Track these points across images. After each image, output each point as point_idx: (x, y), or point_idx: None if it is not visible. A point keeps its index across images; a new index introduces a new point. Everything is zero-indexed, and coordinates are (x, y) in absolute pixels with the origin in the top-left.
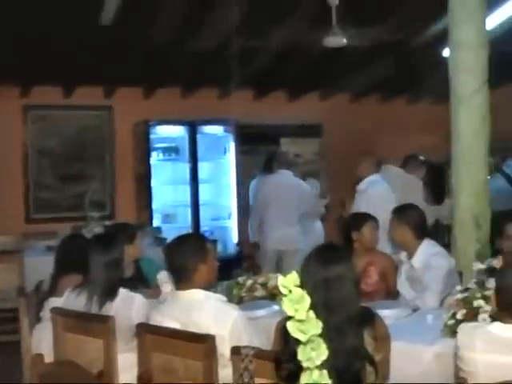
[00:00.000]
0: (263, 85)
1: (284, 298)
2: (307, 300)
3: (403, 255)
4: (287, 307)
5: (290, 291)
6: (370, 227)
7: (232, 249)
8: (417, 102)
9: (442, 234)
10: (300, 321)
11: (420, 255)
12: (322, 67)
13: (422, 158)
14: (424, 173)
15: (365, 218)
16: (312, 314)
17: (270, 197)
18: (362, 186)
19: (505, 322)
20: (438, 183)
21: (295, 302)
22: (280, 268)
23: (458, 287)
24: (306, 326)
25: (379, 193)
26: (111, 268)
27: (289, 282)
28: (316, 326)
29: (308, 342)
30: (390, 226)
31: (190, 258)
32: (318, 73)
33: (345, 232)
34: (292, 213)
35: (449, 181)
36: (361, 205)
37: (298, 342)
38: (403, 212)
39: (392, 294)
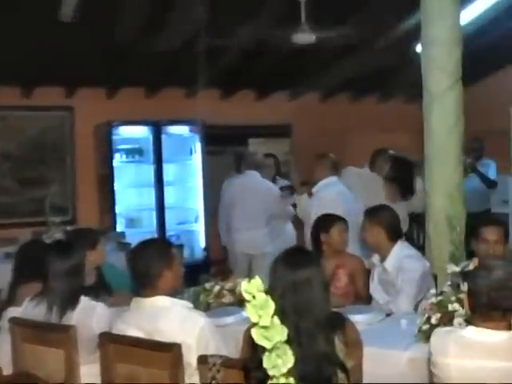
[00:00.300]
0: (230, 84)
1: (247, 304)
2: (271, 305)
3: (375, 258)
4: (251, 313)
5: (254, 297)
6: (339, 229)
7: (199, 254)
8: (389, 100)
9: (417, 233)
10: (264, 327)
11: (393, 258)
12: (290, 65)
13: (391, 152)
14: (388, 168)
15: (333, 219)
16: (277, 320)
17: (236, 199)
18: (314, 189)
19: (477, 326)
20: (406, 179)
21: (259, 307)
22: (251, 273)
23: (433, 291)
24: (271, 332)
25: (330, 196)
26: (72, 276)
27: (252, 287)
28: (281, 333)
29: (273, 349)
30: (362, 227)
31: (155, 263)
32: (287, 71)
33: (313, 234)
34: (259, 215)
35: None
36: (312, 209)
37: (263, 349)
38: (375, 213)
39: (360, 297)
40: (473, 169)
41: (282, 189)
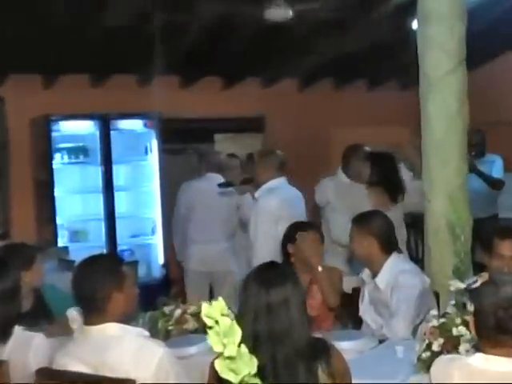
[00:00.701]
0: (192, 70)
1: (209, 331)
2: (238, 332)
3: (366, 274)
4: (214, 342)
5: (217, 322)
6: (308, 239)
7: (157, 271)
8: (380, 87)
9: (415, 242)
10: (230, 358)
11: (386, 273)
12: (263, 47)
13: (366, 148)
14: (368, 171)
15: (301, 227)
16: (244, 349)
17: (194, 206)
18: (257, 193)
19: (486, 352)
20: (393, 178)
21: (223, 334)
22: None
23: (434, 312)
24: (238, 363)
25: (273, 203)
26: (4, 301)
27: (214, 311)
28: (250, 364)
29: (241, 383)
30: (350, 237)
31: (103, 284)
32: (259, 54)
33: (282, 244)
34: (220, 226)
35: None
36: (252, 218)
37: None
38: (365, 220)
39: (333, 310)
40: (472, 168)
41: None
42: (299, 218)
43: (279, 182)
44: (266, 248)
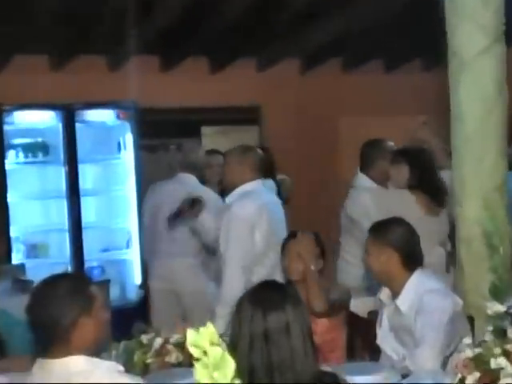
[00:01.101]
0: (173, 49)
1: (196, 364)
2: (230, 364)
3: (384, 294)
4: (201, 376)
5: (205, 352)
6: (297, 250)
7: (133, 293)
8: (400, 67)
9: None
10: None
11: (409, 293)
12: (258, 21)
13: (391, 144)
14: (407, 173)
15: (292, 235)
16: (238, 382)
17: (158, 213)
18: (227, 199)
19: None
20: (433, 178)
21: (213, 367)
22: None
23: (468, 340)
24: None
25: (246, 212)
26: None
27: (203, 340)
28: None
29: None
30: (365, 250)
31: (67, 309)
32: (253, 30)
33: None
34: (189, 237)
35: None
36: (222, 231)
37: None
38: (384, 229)
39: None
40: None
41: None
42: (278, 228)
43: (255, 185)
44: (238, 262)
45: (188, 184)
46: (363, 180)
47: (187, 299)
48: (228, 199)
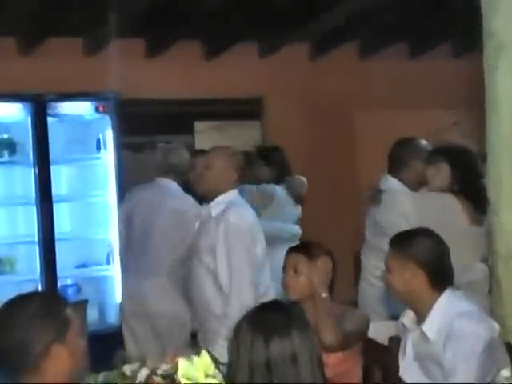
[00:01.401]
0: (161, 32)
1: None
2: None
3: (408, 318)
4: None
5: None
6: (294, 263)
7: (113, 315)
8: (426, 53)
9: None
10: None
11: (438, 317)
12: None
13: (423, 142)
14: (448, 174)
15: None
16: None
17: (132, 223)
18: (216, 207)
19: None
20: (477, 181)
21: None
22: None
23: (506, 372)
24: None
25: (244, 225)
26: None
27: (196, 370)
28: None
29: None
30: (386, 266)
31: (37, 335)
32: (253, 10)
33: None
34: (163, 253)
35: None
36: (219, 249)
37: None
38: (409, 242)
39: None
40: None
41: None
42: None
43: (235, 193)
44: (249, 278)
45: (168, 191)
46: (393, 184)
47: (160, 324)
48: (214, 210)
